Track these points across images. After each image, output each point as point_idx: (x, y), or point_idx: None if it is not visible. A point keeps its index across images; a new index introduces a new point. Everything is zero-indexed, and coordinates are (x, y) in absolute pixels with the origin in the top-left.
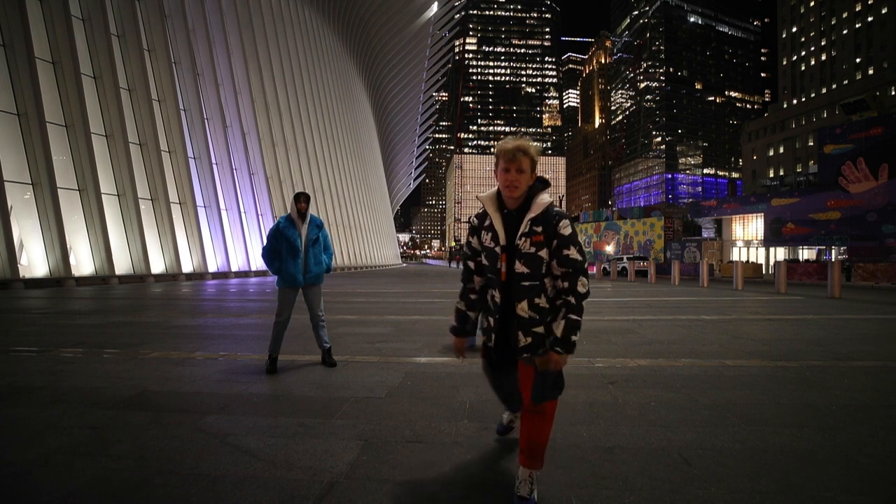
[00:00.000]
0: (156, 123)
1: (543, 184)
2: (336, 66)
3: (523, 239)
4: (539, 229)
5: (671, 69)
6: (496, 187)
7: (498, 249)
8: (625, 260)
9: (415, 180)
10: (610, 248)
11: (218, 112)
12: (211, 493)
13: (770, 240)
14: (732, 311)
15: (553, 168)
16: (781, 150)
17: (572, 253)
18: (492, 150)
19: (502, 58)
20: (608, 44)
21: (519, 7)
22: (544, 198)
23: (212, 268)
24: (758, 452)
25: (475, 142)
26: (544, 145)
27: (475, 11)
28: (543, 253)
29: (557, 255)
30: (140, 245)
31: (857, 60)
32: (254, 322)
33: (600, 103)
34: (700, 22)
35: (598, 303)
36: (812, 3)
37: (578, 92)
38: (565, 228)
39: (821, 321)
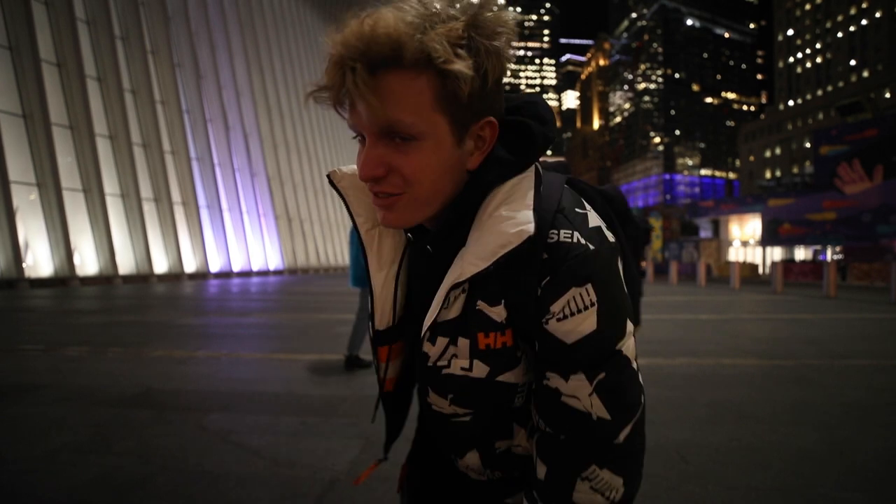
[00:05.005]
0: (158, 125)
1: (514, 159)
2: None
3: (443, 342)
4: (497, 312)
5: (669, 71)
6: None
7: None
8: None
9: None
10: None
11: (220, 113)
12: (213, 491)
13: (767, 240)
14: (729, 310)
15: None
16: (778, 151)
17: (574, 399)
18: None
19: None
20: (607, 46)
21: (518, 9)
22: (510, 216)
23: (213, 268)
24: (754, 450)
25: None
26: None
27: None
28: (511, 376)
29: (538, 382)
30: (143, 245)
31: (852, 63)
32: (256, 321)
33: (599, 105)
34: (697, 25)
35: None
36: (808, 7)
37: (577, 93)
38: (578, 320)
39: (816, 320)
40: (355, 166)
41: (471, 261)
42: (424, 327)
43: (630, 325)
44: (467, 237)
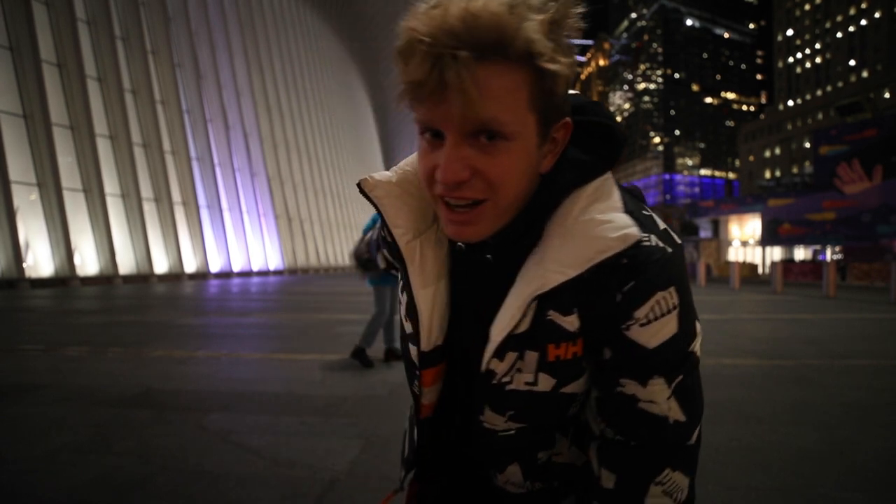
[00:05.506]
0: (159, 125)
1: (592, 160)
2: (337, 68)
3: (511, 357)
4: (570, 321)
5: (669, 71)
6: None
7: (414, 352)
8: None
9: None
10: None
11: (220, 113)
12: (213, 491)
13: (766, 240)
14: (729, 310)
15: None
16: (777, 151)
17: (651, 404)
18: None
19: None
20: (606, 46)
21: None
22: (606, 219)
23: (214, 268)
24: (754, 450)
25: None
26: None
27: None
28: (575, 386)
29: (608, 390)
30: (143, 245)
31: (852, 63)
32: (256, 321)
33: None
34: (697, 25)
35: None
36: (807, 7)
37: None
38: (661, 324)
39: (816, 320)
40: (388, 172)
41: (555, 269)
42: (495, 343)
43: (699, 325)
44: (536, 244)
